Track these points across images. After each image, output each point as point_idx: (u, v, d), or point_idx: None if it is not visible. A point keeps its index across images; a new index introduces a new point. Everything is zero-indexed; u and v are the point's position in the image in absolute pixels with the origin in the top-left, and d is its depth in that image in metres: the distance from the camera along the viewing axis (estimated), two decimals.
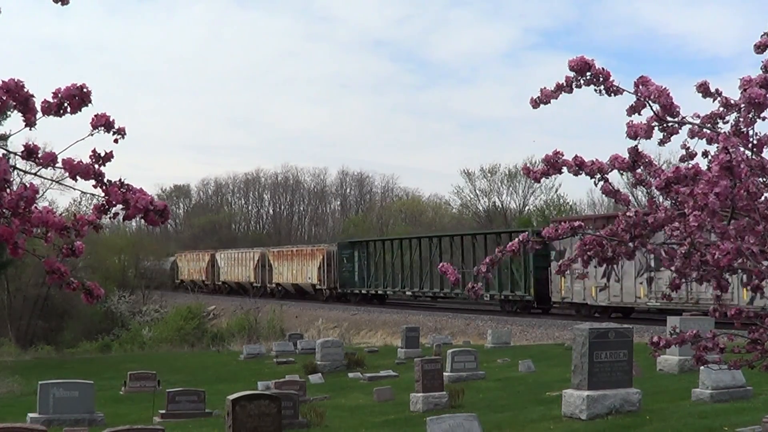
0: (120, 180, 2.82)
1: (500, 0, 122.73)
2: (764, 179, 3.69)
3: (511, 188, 68.83)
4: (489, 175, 69.23)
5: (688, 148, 4.02)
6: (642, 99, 3.81)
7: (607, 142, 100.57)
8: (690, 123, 3.93)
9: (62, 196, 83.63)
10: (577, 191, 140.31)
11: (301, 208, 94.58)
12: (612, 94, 3.87)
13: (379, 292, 46.70)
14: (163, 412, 16.05)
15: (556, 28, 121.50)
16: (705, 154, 4.02)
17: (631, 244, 3.95)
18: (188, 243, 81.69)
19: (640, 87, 3.82)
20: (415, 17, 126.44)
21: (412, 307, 44.03)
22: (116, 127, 2.87)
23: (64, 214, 2.94)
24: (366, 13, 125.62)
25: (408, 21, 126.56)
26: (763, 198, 3.69)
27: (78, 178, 2.80)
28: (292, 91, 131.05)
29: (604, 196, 4.85)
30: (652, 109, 3.82)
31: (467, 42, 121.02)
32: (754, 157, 3.68)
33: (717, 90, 3.97)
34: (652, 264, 26.27)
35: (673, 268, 3.95)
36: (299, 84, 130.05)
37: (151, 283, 62.35)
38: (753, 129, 3.70)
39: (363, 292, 47.57)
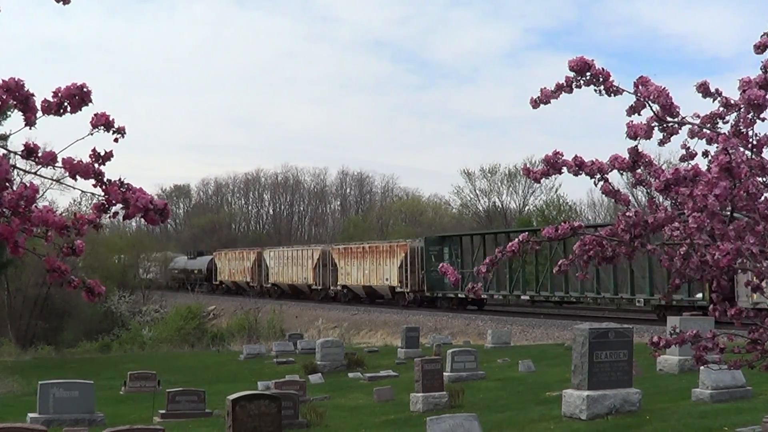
0: (120, 179, 2.82)
1: (500, 0, 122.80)
2: (764, 179, 3.69)
3: (511, 188, 68.94)
4: (489, 175, 69.34)
5: (688, 148, 4.02)
6: (642, 99, 3.82)
7: (607, 142, 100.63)
8: (690, 123, 3.93)
9: (62, 196, 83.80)
10: (577, 191, 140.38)
11: (301, 208, 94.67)
12: (612, 95, 3.87)
13: (482, 296, 37.19)
14: (163, 412, 16.06)
15: (556, 28, 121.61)
16: (705, 154, 4.02)
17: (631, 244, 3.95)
18: (188, 243, 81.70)
19: (640, 87, 3.82)
20: (416, 17, 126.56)
21: (412, 306, 43.81)
22: (116, 126, 2.87)
23: (64, 214, 2.94)
24: (366, 13, 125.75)
25: (408, 21, 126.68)
26: (763, 198, 3.69)
27: (78, 177, 2.80)
28: (293, 91, 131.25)
29: (604, 196, 4.84)
30: (651, 109, 3.82)
31: (467, 42, 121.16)
32: (754, 157, 3.68)
33: (717, 90, 3.97)
34: None
35: (673, 269, 3.95)
36: (299, 84, 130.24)
37: (151, 284, 61.96)
38: (753, 130, 3.71)
39: (460, 296, 38.71)
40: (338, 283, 48.39)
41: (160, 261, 70.89)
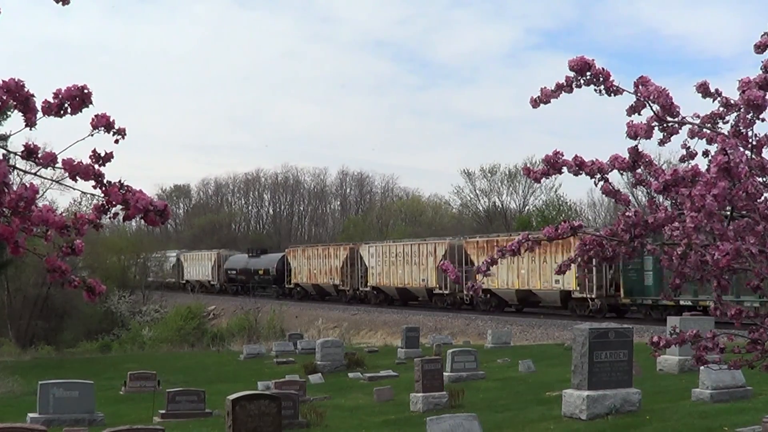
0: (119, 181, 2.82)
1: (501, 0, 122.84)
2: (764, 179, 3.69)
3: (511, 188, 68.95)
4: (489, 175, 69.35)
5: (688, 148, 4.02)
6: (642, 99, 3.82)
7: (607, 142, 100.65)
8: (690, 123, 3.94)
9: (62, 196, 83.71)
10: (577, 191, 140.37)
11: (301, 208, 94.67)
12: (612, 94, 3.87)
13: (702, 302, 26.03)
14: (163, 412, 16.05)
15: (557, 28, 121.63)
16: (705, 153, 4.02)
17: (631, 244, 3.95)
18: (188, 243, 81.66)
19: (640, 87, 3.82)
20: (417, 18, 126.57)
21: (412, 306, 43.68)
22: (116, 127, 2.87)
23: (64, 214, 2.94)
24: (367, 13, 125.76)
25: (409, 21, 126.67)
26: (762, 198, 3.69)
27: (78, 178, 2.80)
28: (293, 91, 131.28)
29: (604, 196, 4.84)
30: (652, 109, 3.82)
31: (468, 42, 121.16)
32: (753, 157, 3.68)
33: (717, 90, 3.97)
34: None
35: (672, 268, 3.95)
36: (300, 84, 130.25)
37: (151, 284, 61.53)
38: (752, 130, 3.70)
39: (666, 303, 29.42)
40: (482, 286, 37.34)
41: (210, 260, 64.30)
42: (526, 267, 35.23)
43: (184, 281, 68.03)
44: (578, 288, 32.90)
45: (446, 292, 40.29)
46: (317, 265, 50.67)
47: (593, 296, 32.58)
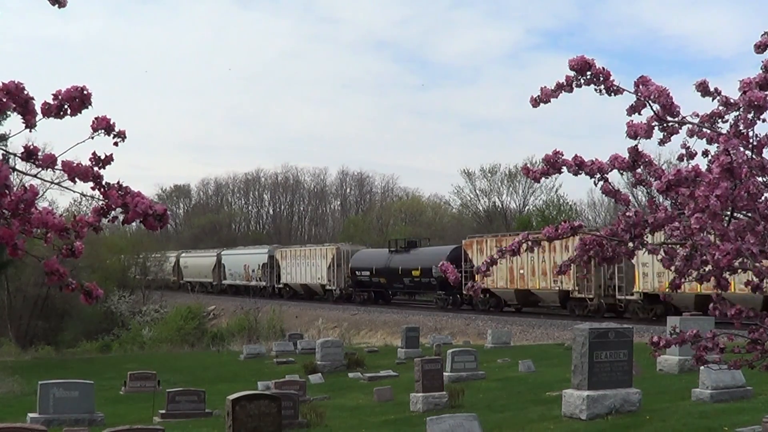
0: (118, 182, 2.82)
1: (502, 1, 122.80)
2: (764, 179, 3.69)
3: (511, 188, 68.90)
4: (489, 175, 69.31)
5: (688, 147, 4.02)
6: (642, 99, 3.81)
7: (607, 142, 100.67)
8: (690, 123, 3.93)
9: (62, 197, 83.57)
10: (577, 191, 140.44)
11: (301, 208, 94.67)
12: (612, 94, 3.86)
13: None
14: (163, 412, 16.05)
15: (558, 28, 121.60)
16: (705, 153, 4.02)
17: (631, 244, 3.95)
18: (188, 243, 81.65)
19: (640, 87, 3.82)
20: (418, 18, 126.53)
21: (412, 306, 43.66)
22: (116, 130, 2.87)
23: (64, 215, 2.95)
24: (368, 14, 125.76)
25: (410, 22, 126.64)
26: (763, 198, 3.69)
27: (77, 180, 2.80)
28: (294, 91, 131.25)
29: (604, 196, 4.84)
30: (652, 108, 3.82)
31: (469, 43, 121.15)
32: (754, 157, 3.68)
33: (716, 89, 3.97)
34: None
35: (672, 268, 3.95)
36: (301, 84, 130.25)
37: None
38: (753, 130, 3.70)
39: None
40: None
41: (325, 257, 49.83)
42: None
43: (280, 285, 54.86)
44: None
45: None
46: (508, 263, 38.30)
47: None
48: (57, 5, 2.86)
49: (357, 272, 47.34)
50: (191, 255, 70.12)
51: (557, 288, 33.83)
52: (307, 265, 51.58)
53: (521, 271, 35.24)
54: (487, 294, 37.67)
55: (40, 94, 2.83)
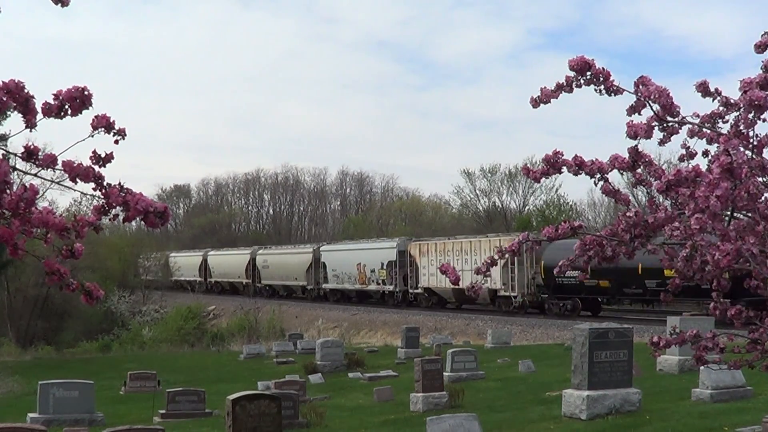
0: (119, 182, 2.82)
1: (503, 1, 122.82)
2: (764, 179, 3.69)
3: (511, 188, 68.88)
4: (489, 175, 69.29)
5: (688, 147, 4.02)
6: (642, 99, 3.81)
7: (607, 142, 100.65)
8: (690, 123, 3.93)
9: (62, 196, 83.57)
10: (577, 191, 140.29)
11: (301, 208, 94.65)
12: (612, 94, 3.86)
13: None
14: (163, 412, 16.05)
15: (559, 29, 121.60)
16: (705, 153, 4.02)
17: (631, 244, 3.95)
18: (188, 243, 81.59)
19: (640, 87, 3.81)
20: (419, 18, 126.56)
21: (412, 307, 43.71)
22: (116, 128, 2.87)
23: (64, 214, 2.94)
24: (370, 14, 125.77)
25: (411, 22, 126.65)
26: (763, 198, 3.68)
27: (78, 180, 2.79)
28: (294, 91, 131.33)
29: (604, 196, 4.84)
30: (652, 109, 3.81)
31: (470, 43, 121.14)
32: (754, 157, 3.67)
33: (716, 89, 3.97)
34: None
35: (673, 269, 3.95)
36: (301, 84, 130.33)
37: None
38: (753, 130, 3.70)
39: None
40: None
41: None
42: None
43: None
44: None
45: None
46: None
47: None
48: (60, 4, 2.86)
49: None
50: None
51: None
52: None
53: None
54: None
55: (41, 94, 2.83)
